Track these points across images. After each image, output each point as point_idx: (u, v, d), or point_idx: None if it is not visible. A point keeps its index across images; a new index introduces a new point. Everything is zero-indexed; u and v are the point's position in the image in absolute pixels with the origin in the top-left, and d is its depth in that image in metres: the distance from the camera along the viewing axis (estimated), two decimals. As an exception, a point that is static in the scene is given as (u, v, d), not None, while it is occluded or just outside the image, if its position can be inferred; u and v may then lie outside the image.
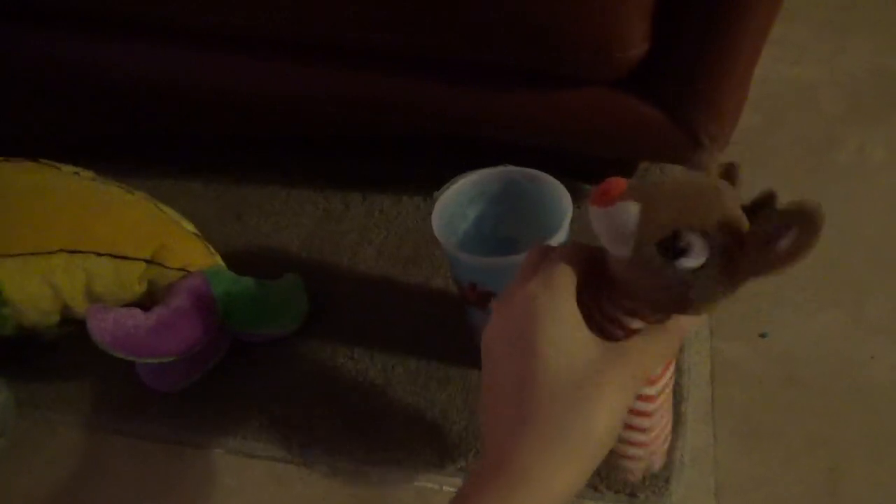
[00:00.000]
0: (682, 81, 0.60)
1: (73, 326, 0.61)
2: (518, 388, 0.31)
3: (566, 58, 0.58)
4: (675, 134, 0.62)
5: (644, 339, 0.32)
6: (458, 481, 0.55)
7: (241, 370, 0.63)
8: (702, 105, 0.61)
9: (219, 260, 0.64)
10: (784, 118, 0.84)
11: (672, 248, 0.29)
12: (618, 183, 0.30)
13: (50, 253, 0.58)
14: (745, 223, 0.30)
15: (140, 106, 0.79)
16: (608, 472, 0.52)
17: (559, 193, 0.51)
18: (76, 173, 0.64)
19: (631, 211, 0.29)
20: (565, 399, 0.30)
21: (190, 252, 0.62)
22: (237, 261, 0.68)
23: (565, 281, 0.31)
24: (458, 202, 0.55)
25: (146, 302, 0.61)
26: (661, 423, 0.37)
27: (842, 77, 0.89)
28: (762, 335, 0.62)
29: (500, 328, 0.32)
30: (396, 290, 0.69)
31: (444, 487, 0.55)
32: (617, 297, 0.32)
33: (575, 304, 0.31)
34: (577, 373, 0.30)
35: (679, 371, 0.58)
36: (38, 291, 0.58)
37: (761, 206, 0.32)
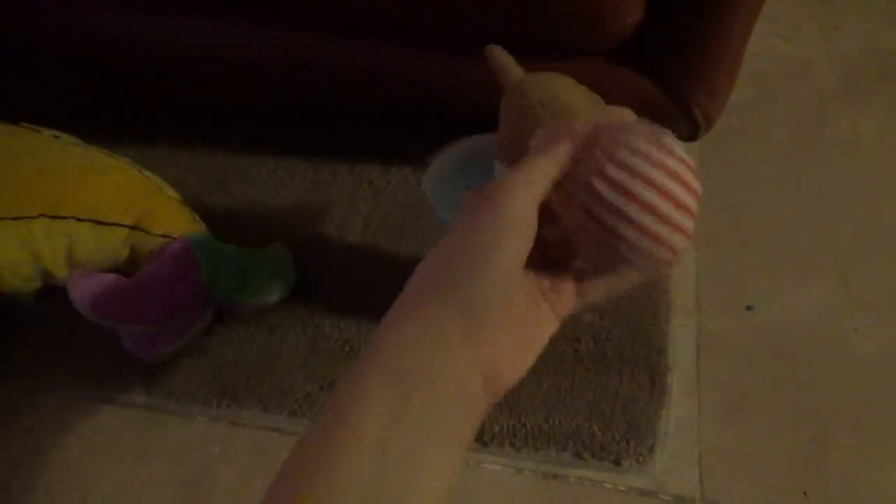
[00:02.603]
0: (675, 53, 0.60)
1: (53, 298, 0.60)
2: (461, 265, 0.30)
3: (561, 27, 0.57)
4: (666, 106, 0.61)
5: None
6: (443, 450, 0.54)
7: (225, 339, 0.62)
8: (693, 77, 0.60)
9: (203, 228, 0.63)
10: (777, 94, 0.83)
11: None
12: None
13: (30, 218, 0.57)
14: None
15: (126, 74, 0.78)
16: (591, 441, 0.53)
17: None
18: (56, 136, 0.63)
19: None
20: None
21: (173, 219, 0.62)
22: (224, 231, 0.67)
23: (529, 195, 0.31)
24: (450, 169, 0.54)
25: (129, 268, 0.60)
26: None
27: (835, 54, 0.88)
28: (748, 308, 0.62)
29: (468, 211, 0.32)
30: (384, 261, 0.68)
31: (428, 456, 0.55)
32: None
33: (530, 223, 0.31)
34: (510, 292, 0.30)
35: (665, 342, 0.58)
36: (17, 257, 0.57)
37: None
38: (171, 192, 0.64)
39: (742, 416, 0.55)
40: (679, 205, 0.30)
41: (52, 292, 0.60)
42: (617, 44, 0.60)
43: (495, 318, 0.31)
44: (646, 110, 0.63)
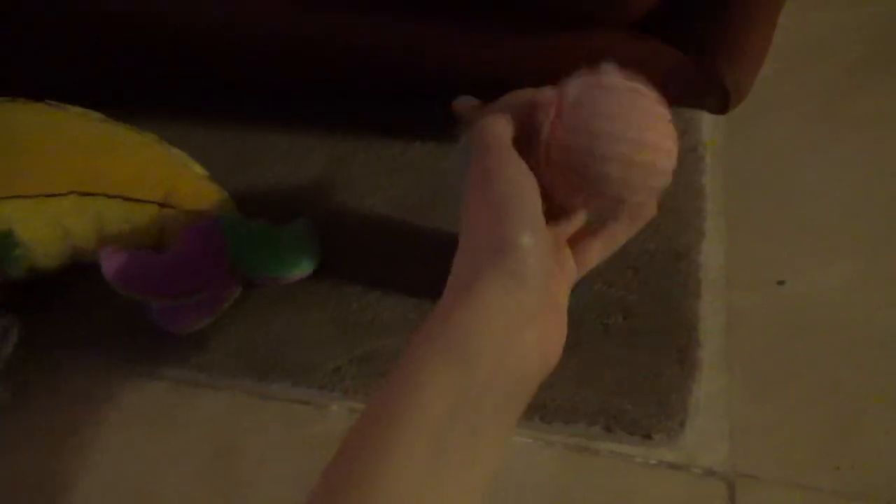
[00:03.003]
0: (705, 23, 0.59)
1: (83, 274, 0.60)
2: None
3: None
4: (696, 79, 0.60)
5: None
6: (472, 424, 0.55)
7: (253, 313, 0.63)
8: (724, 48, 0.59)
9: (230, 203, 0.63)
10: (805, 65, 0.81)
11: None
12: None
13: (61, 195, 0.57)
14: None
15: (147, 50, 0.78)
16: (621, 415, 0.53)
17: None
18: (84, 114, 0.63)
19: None
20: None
21: (201, 195, 0.62)
22: (245, 206, 0.67)
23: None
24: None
25: (157, 244, 0.60)
26: None
27: (865, 23, 0.86)
28: (780, 283, 0.61)
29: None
30: (407, 236, 0.68)
31: (457, 429, 0.55)
32: None
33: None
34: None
35: (695, 317, 0.58)
36: (49, 234, 0.58)
37: None
38: (198, 169, 0.64)
39: (772, 390, 0.55)
40: (648, 127, 0.30)
41: (82, 268, 0.61)
42: (644, 15, 0.58)
43: (543, 291, 0.31)
44: (674, 83, 0.62)
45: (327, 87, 0.80)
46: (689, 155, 0.69)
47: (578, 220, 0.37)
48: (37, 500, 0.55)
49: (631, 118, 0.31)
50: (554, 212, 0.35)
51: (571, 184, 0.32)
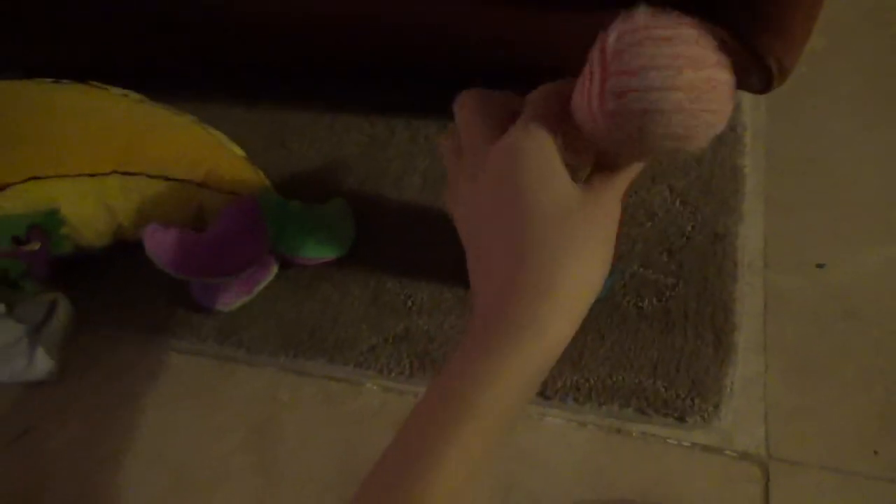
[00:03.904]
0: (750, 1, 0.57)
1: (126, 252, 0.62)
2: (506, 237, 0.31)
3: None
4: (740, 57, 0.59)
5: (607, 179, 0.32)
6: (506, 403, 0.55)
7: (290, 292, 0.64)
8: (769, 25, 0.57)
9: (268, 184, 0.64)
10: (850, 42, 0.79)
11: None
12: None
13: (104, 174, 0.59)
14: None
15: (184, 29, 0.78)
16: (655, 397, 0.53)
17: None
18: (125, 95, 0.64)
19: None
20: (552, 239, 0.30)
21: (239, 175, 0.63)
22: (282, 187, 0.68)
23: (544, 131, 0.31)
24: None
25: (197, 223, 0.61)
26: None
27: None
28: (819, 266, 0.60)
29: (483, 184, 0.32)
30: (441, 217, 0.68)
31: (491, 409, 0.56)
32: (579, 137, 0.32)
33: (557, 152, 0.31)
34: (567, 215, 0.30)
35: (732, 300, 0.57)
36: (93, 212, 0.59)
37: None
38: (237, 149, 0.65)
39: (810, 375, 0.55)
40: (696, 69, 0.29)
41: (126, 246, 0.63)
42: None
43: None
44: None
45: (364, 67, 0.80)
46: (728, 135, 0.68)
47: (636, 170, 0.35)
48: (81, 470, 0.58)
49: (675, 64, 0.29)
50: (609, 165, 0.34)
51: (625, 139, 0.30)
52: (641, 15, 0.30)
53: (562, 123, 0.32)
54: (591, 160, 0.33)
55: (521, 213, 0.30)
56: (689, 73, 0.29)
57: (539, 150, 0.31)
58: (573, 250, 0.30)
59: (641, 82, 0.29)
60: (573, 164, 0.32)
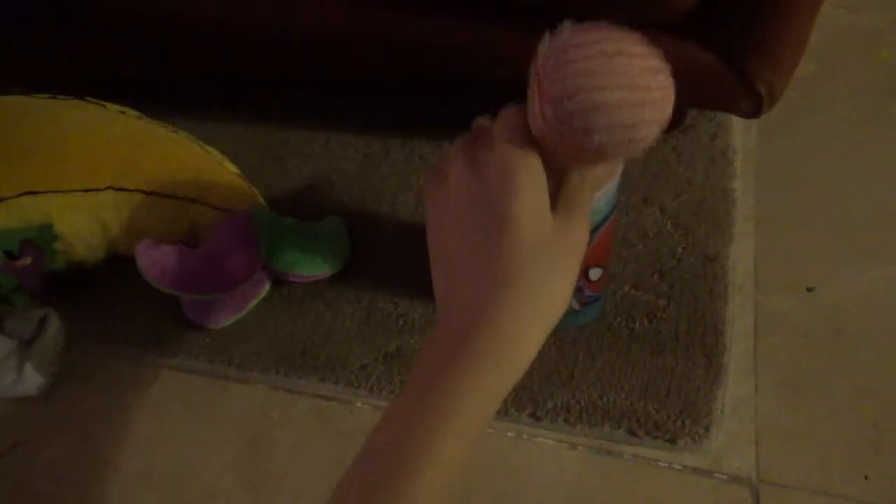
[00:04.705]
0: (741, 26, 0.58)
1: (118, 267, 0.62)
2: (489, 257, 0.32)
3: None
4: (729, 81, 0.60)
5: (573, 204, 0.35)
6: (497, 422, 0.55)
7: (282, 310, 0.64)
8: (760, 51, 0.58)
9: (262, 201, 0.65)
10: (842, 67, 0.80)
11: None
12: None
13: (98, 190, 0.59)
14: None
15: (181, 46, 0.79)
16: (646, 419, 0.53)
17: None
18: (122, 112, 0.64)
19: None
20: (536, 268, 0.32)
21: (233, 192, 0.63)
22: (278, 204, 0.68)
23: (537, 159, 0.33)
24: None
25: (191, 239, 0.62)
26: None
27: (906, 24, 0.84)
28: (809, 289, 0.61)
29: (468, 196, 0.34)
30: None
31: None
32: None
33: (545, 182, 0.33)
34: (546, 243, 0.32)
35: (722, 322, 0.58)
36: (87, 227, 0.60)
37: None
38: (231, 167, 0.65)
39: (800, 397, 0.55)
40: (625, 79, 0.31)
41: (119, 262, 0.63)
42: (680, 17, 0.58)
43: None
44: (706, 85, 0.62)
45: (361, 83, 0.81)
46: (719, 158, 0.69)
47: (598, 183, 0.37)
48: (70, 486, 0.57)
49: (606, 61, 0.32)
50: (571, 182, 0.36)
51: (575, 143, 0.33)
52: (567, 28, 0.33)
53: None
54: (554, 175, 0.35)
55: (506, 239, 0.32)
56: (622, 65, 0.31)
57: (534, 184, 0.33)
58: (548, 277, 0.33)
59: (578, 84, 0.31)
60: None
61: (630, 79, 0.31)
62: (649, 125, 0.32)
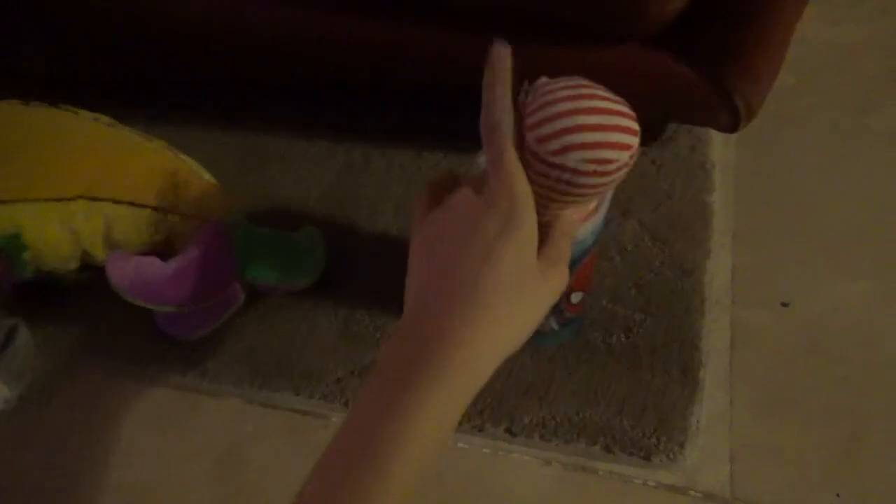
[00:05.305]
0: (719, 40, 0.58)
1: (91, 272, 0.61)
2: (469, 279, 0.34)
3: (604, 10, 0.56)
4: (708, 95, 0.60)
5: (558, 248, 0.38)
6: (471, 437, 0.55)
7: (258, 322, 0.63)
8: (737, 65, 0.59)
9: (238, 210, 0.64)
10: (819, 81, 0.81)
11: None
12: None
13: (69, 199, 0.58)
14: None
15: (160, 53, 0.78)
16: (621, 435, 0.53)
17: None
18: (95, 119, 0.63)
19: None
20: (506, 305, 0.34)
21: (209, 202, 0.62)
22: (256, 211, 0.67)
23: (532, 207, 0.35)
24: None
25: (164, 250, 0.61)
26: None
27: (883, 40, 0.85)
28: (784, 304, 0.61)
29: (468, 219, 0.36)
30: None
31: (457, 444, 0.55)
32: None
33: (536, 230, 0.36)
34: (522, 287, 0.35)
35: (698, 337, 0.58)
36: (57, 237, 0.58)
37: None
38: (207, 176, 0.64)
39: (775, 412, 0.55)
40: (596, 110, 0.36)
41: (93, 273, 0.61)
42: (658, 30, 0.58)
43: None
44: (684, 99, 0.62)
45: (342, 90, 0.80)
46: (697, 171, 0.69)
47: (564, 231, 0.40)
48: (39, 499, 0.56)
49: (579, 104, 0.36)
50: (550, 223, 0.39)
51: (557, 177, 0.37)
52: (543, 81, 0.39)
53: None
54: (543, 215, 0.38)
55: (487, 268, 0.34)
56: (595, 102, 0.36)
57: (529, 227, 0.35)
58: (521, 315, 0.35)
59: (556, 111, 0.36)
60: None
61: (602, 112, 0.36)
62: (617, 151, 0.36)
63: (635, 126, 0.37)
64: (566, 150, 0.36)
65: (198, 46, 0.73)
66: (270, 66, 0.76)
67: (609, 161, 0.36)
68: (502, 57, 0.37)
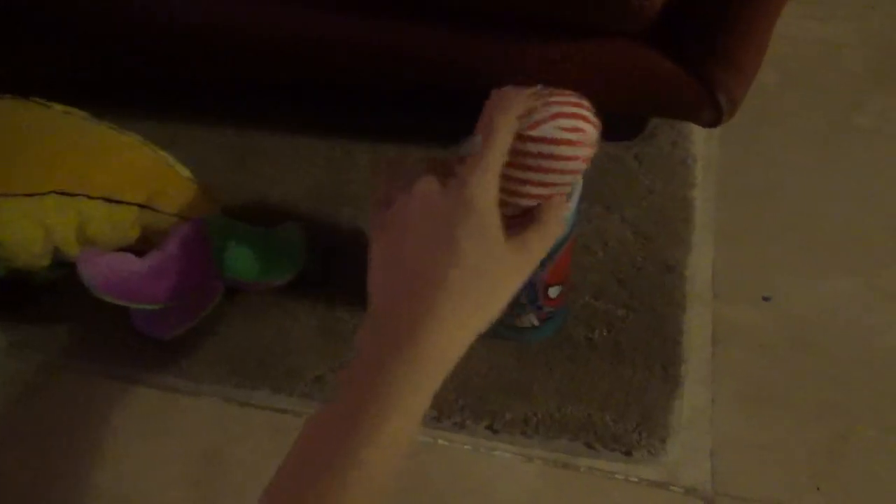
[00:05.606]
0: (703, 35, 0.58)
1: (65, 269, 0.60)
2: (431, 268, 0.35)
3: (588, 8, 0.55)
4: (691, 89, 0.60)
5: (535, 229, 0.38)
6: (454, 435, 0.54)
7: (237, 319, 0.62)
8: (721, 60, 0.58)
9: (216, 206, 0.63)
10: (805, 77, 0.81)
11: None
12: None
13: (42, 194, 0.56)
14: None
15: (140, 47, 0.77)
16: (603, 431, 0.52)
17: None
18: (67, 112, 0.62)
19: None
20: (475, 281, 0.34)
21: (185, 198, 0.61)
22: (239, 207, 0.67)
23: (493, 190, 0.36)
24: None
25: (140, 247, 0.59)
26: None
27: (869, 37, 0.85)
28: (765, 298, 0.61)
29: (431, 210, 0.36)
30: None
31: (438, 441, 0.55)
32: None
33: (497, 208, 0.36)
34: (491, 264, 0.35)
35: (680, 332, 0.57)
36: (29, 234, 0.57)
37: None
38: (184, 171, 0.63)
39: (757, 408, 0.55)
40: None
41: (64, 266, 0.60)
42: (646, 24, 0.58)
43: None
44: (666, 93, 0.62)
45: (329, 88, 0.79)
46: (679, 166, 0.69)
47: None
48: (23, 501, 0.55)
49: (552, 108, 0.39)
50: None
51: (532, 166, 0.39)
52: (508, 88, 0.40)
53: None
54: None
55: (451, 260, 0.34)
56: (563, 99, 0.39)
57: (487, 210, 0.35)
58: (487, 294, 0.35)
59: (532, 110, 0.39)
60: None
61: (570, 98, 0.40)
62: (588, 124, 0.39)
63: (596, 120, 0.40)
64: (540, 123, 0.38)
65: (183, 44, 0.72)
66: (269, 67, 0.75)
67: (581, 130, 0.39)
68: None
